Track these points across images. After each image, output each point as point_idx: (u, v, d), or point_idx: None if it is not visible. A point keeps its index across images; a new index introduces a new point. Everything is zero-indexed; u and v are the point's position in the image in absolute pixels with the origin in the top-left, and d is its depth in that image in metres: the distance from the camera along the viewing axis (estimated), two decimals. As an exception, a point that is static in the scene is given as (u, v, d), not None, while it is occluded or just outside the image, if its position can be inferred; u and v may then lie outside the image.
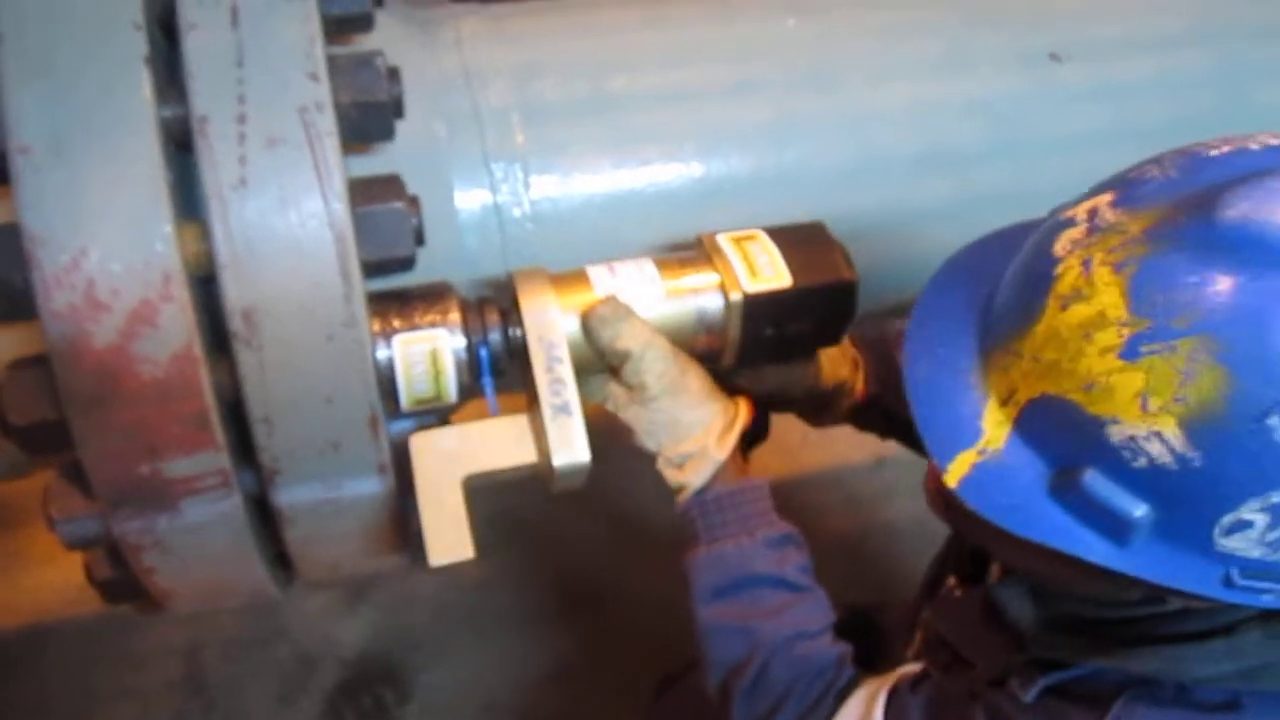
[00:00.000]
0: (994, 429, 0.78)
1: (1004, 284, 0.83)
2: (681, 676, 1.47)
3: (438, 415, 1.03)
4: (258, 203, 0.84)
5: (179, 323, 0.83)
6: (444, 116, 1.08)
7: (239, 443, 0.92)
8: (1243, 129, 1.29)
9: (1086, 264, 0.73)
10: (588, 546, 1.12)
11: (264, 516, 0.98)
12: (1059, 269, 0.75)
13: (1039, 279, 0.77)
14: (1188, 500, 0.70)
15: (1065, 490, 0.74)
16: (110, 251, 0.81)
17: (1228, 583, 0.71)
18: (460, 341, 0.95)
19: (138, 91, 0.83)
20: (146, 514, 0.91)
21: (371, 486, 0.96)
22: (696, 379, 1.01)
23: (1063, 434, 0.74)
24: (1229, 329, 0.66)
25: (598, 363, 1.01)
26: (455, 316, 0.96)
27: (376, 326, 0.93)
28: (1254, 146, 0.74)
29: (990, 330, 0.82)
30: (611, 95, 1.15)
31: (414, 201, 0.92)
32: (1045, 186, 1.20)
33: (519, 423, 1.00)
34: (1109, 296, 0.71)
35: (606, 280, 1.03)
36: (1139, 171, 0.79)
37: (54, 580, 2.02)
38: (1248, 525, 0.69)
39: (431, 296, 0.98)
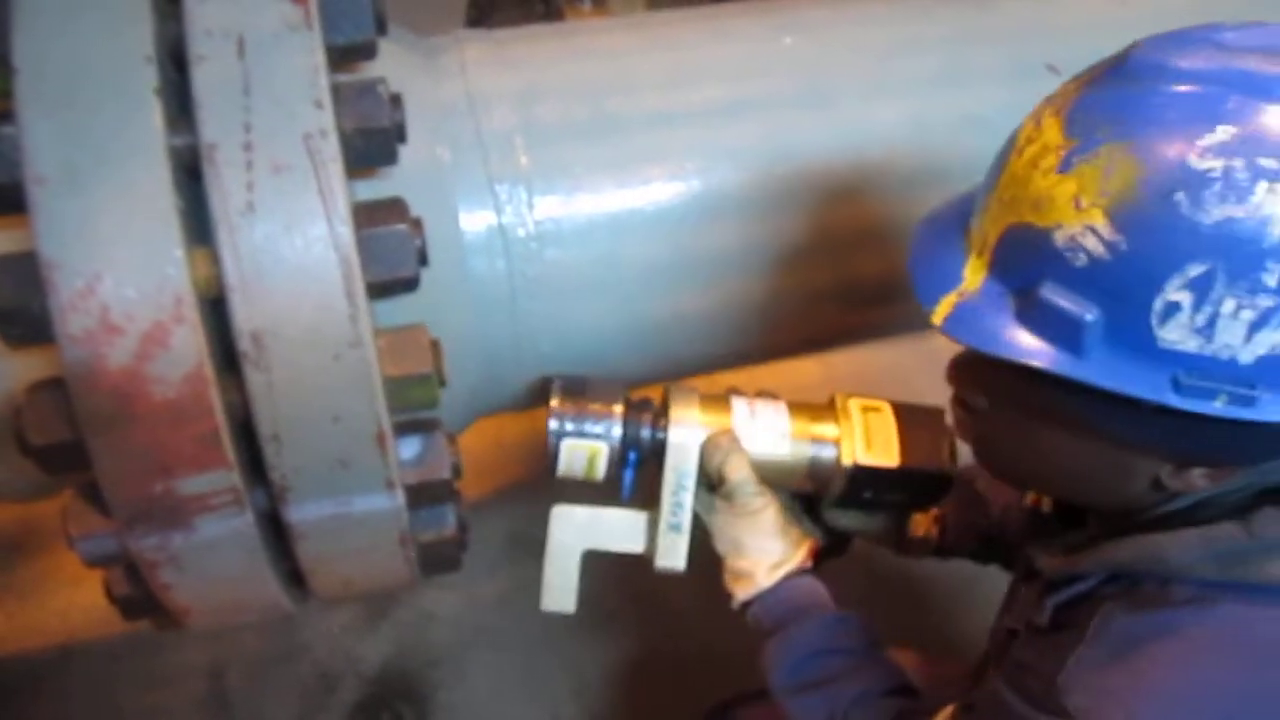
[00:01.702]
0: (972, 274, 0.90)
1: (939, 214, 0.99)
2: (731, 705, 1.49)
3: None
4: (265, 227, 0.87)
5: (190, 344, 0.86)
6: (448, 141, 1.11)
7: (250, 461, 0.94)
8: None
9: (1037, 118, 0.87)
10: (608, 565, 1.16)
11: (277, 533, 1.00)
12: (1019, 134, 0.89)
13: (1006, 147, 0.90)
14: (1124, 289, 0.79)
15: (1029, 309, 0.83)
16: (123, 276, 0.84)
17: (1176, 386, 0.78)
18: (615, 445, 1.14)
19: (149, 121, 0.86)
20: (162, 531, 0.93)
21: (381, 503, 0.98)
22: (773, 516, 1.14)
23: (1023, 256, 0.85)
24: (1137, 128, 0.79)
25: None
26: (617, 431, 1.15)
27: (554, 418, 1.13)
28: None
29: (974, 205, 0.93)
30: (612, 116, 1.17)
31: (417, 223, 0.95)
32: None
33: (639, 519, 1.20)
34: (1050, 132, 0.84)
35: (744, 413, 1.17)
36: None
37: (81, 601, 2.05)
38: (1177, 308, 0.77)
39: (603, 401, 1.15)
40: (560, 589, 1.20)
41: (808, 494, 1.22)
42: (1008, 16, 1.32)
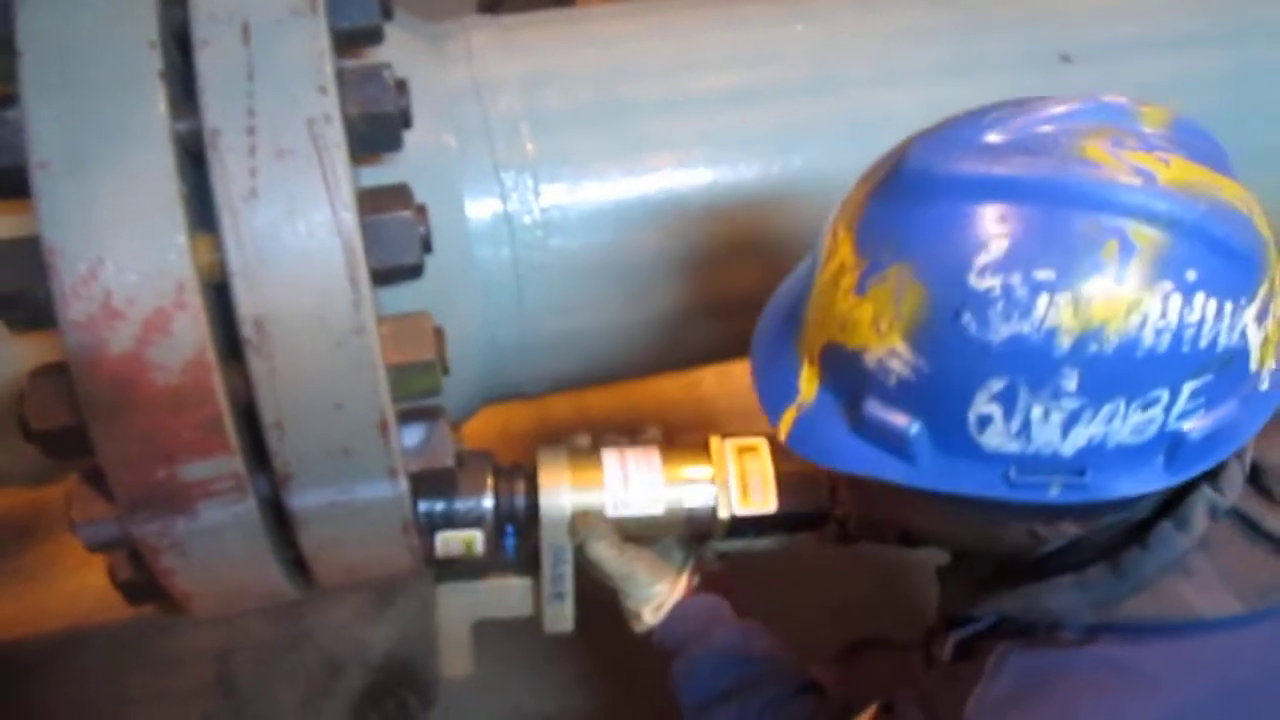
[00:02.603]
0: (806, 385, 0.91)
1: (794, 283, 0.98)
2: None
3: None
4: (268, 213, 0.86)
5: (192, 330, 0.86)
6: (454, 127, 1.10)
7: (253, 447, 0.94)
8: (1258, 129, 1.29)
9: (835, 229, 0.88)
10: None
11: (279, 520, 1.00)
12: (823, 244, 0.90)
13: (814, 257, 0.91)
14: (937, 406, 0.80)
15: (859, 423, 0.85)
16: (126, 262, 0.84)
17: (1008, 481, 0.80)
18: (489, 527, 1.16)
19: (153, 106, 0.86)
20: (164, 517, 0.93)
21: (384, 490, 0.98)
22: (643, 568, 1.19)
23: (843, 373, 0.86)
24: (918, 252, 0.78)
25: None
26: (489, 505, 1.16)
27: (422, 508, 1.12)
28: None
29: (794, 311, 0.95)
30: (620, 103, 1.17)
31: (421, 210, 0.94)
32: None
33: (523, 586, 1.25)
34: (845, 248, 0.85)
35: (616, 473, 1.18)
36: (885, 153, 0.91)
37: (89, 585, 2.05)
38: (990, 419, 0.78)
39: (471, 478, 1.16)
40: (457, 657, 1.28)
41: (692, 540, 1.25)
42: (1020, 4, 1.30)
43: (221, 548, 0.98)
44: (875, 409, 0.83)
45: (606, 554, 1.16)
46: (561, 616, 1.24)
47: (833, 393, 0.88)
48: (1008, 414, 0.77)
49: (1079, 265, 0.73)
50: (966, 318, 0.75)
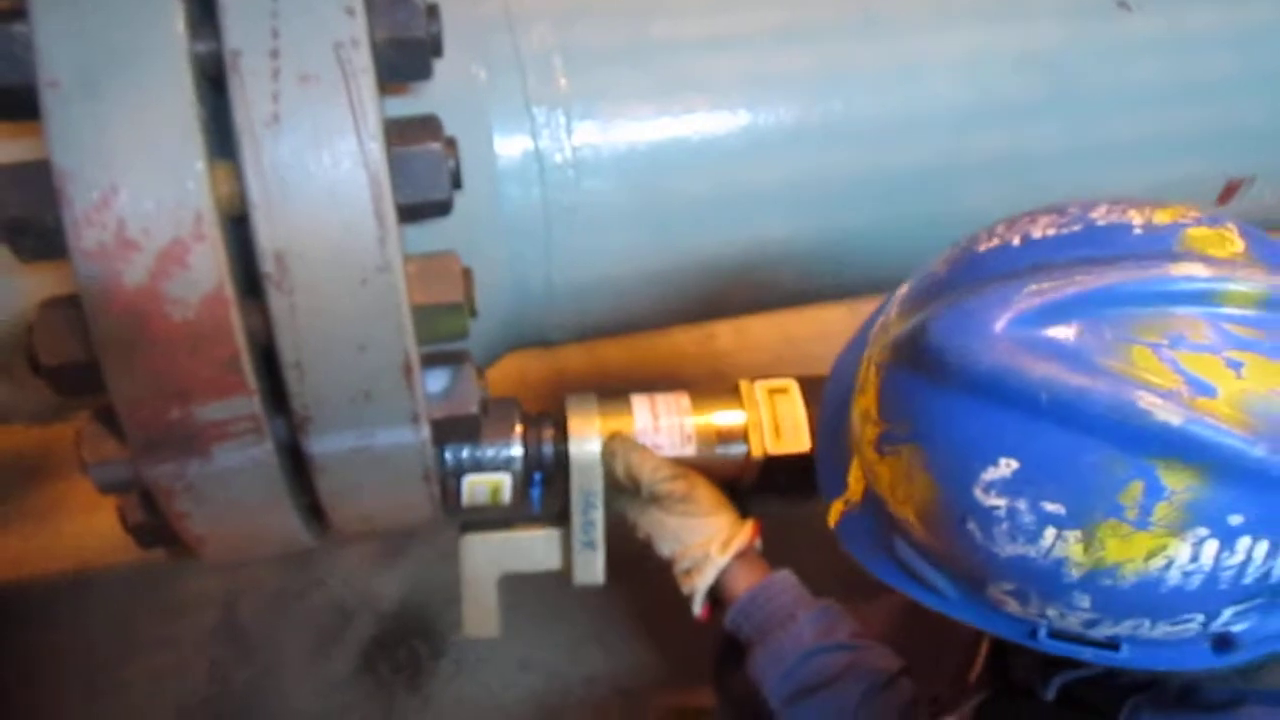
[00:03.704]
0: (855, 483, 0.87)
1: (856, 350, 0.91)
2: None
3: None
4: (290, 140, 0.81)
5: (210, 263, 0.81)
6: (484, 59, 1.05)
7: (271, 389, 0.90)
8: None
9: (869, 359, 0.82)
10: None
11: (296, 465, 0.97)
12: (865, 355, 0.84)
13: (856, 364, 0.86)
14: (956, 575, 0.78)
15: (891, 551, 0.83)
16: (141, 189, 0.79)
17: (1035, 638, 0.77)
18: (518, 472, 1.12)
19: (170, 25, 0.81)
20: (178, 459, 0.89)
21: (405, 437, 0.94)
22: (705, 494, 1.11)
23: (877, 502, 0.82)
24: (929, 442, 0.73)
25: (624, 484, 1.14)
26: (517, 451, 1.12)
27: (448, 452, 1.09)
28: (1015, 242, 0.76)
29: (850, 397, 0.88)
30: (656, 41, 1.12)
31: (451, 143, 0.89)
32: (1100, 144, 1.16)
33: (552, 536, 1.20)
34: (870, 395, 0.80)
35: (646, 415, 1.15)
36: (935, 260, 0.82)
37: (96, 528, 2.03)
38: (1006, 602, 0.76)
39: (499, 422, 1.13)
40: (481, 616, 1.22)
41: (725, 484, 1.19)
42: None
43: (236, 492, 0.94)
44: (903, 549, 0.81)
45: (653, 467, 1.09)
46: (591, 567, 1.19)
47: (872, 510, 0.84)
48: (1023, 604, 0.75)
49: (1093, 506, 0.66)
50: (971, 525, 0.71)
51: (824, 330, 2.24)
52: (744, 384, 1.18)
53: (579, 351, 2.12)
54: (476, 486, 1.11)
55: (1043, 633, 0.76)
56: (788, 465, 1.15)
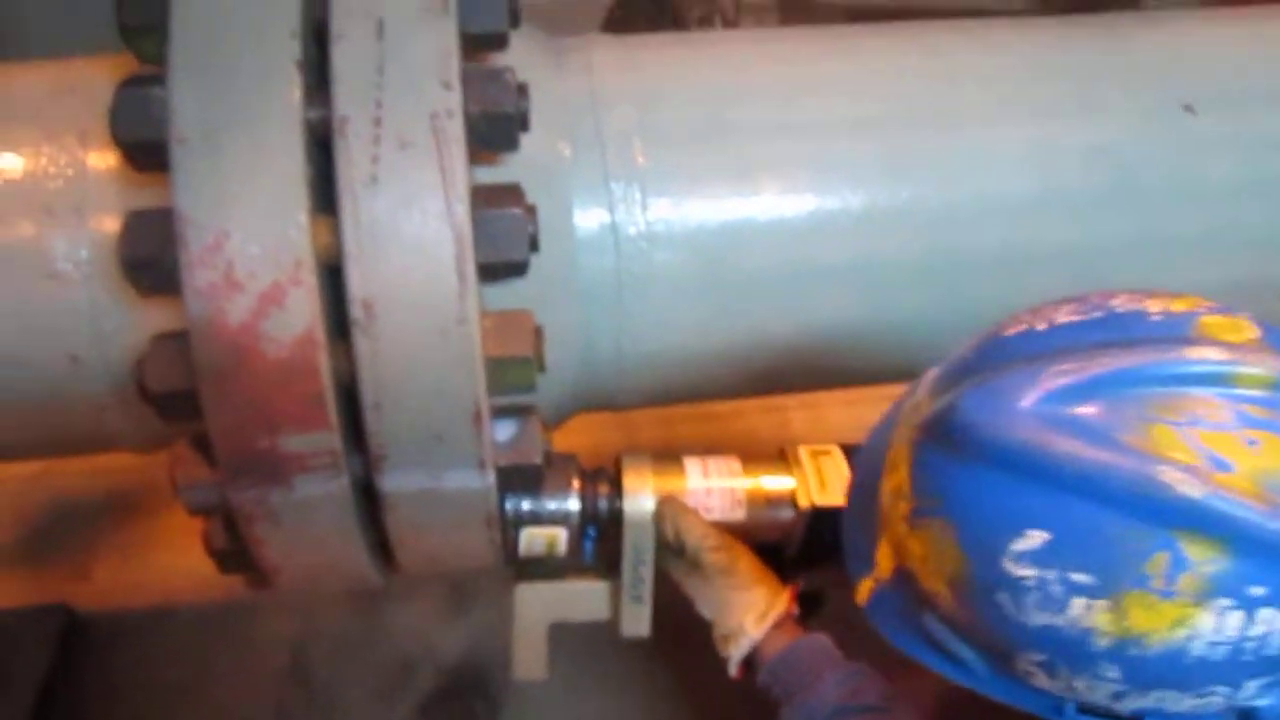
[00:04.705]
0: (884, 560, 0.89)
1: (887, 430, 0.93)
2: None
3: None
4: (386, 199, 0.90)
5: (305, 306, 0.89)
6: (568, 136, 1.13)
7: (350, 426, 0.97)
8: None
9: (900, 438, 0.85)
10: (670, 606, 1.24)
11: (369, 501, 1.03)
12: (895, 436, 0.87)
13: (885, 445, 0.89)
14: (985, 648, 0.79)
15: (920, 628, 0.85)
16: (250, 235, 0.88)
17: (1063, 714, 0.78)
18: (574, 526, 1.17)
19: (289, 91, 0.90)
20: (262, 486, 0.96)
21: (472, 481, 1.00)
22: (745, 564, 1.14)
23: (907, 579, 0.85)
24: (958, 516, 0.76)
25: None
26: (575, 506, 1.18)
27: (509, 503, 1.15)
28: (1040, 327, 0.80)
29: (879, 475, 0.91)
30: (731, 123, 1.18)
31: (532, 210, 0.97)
32: (1165, 239, 1.18)
33: (602, 589, 1.26)
34: (902, 471, 0.83)
35: (698, 475, 1.21)
36: (964, 344, 0.86)
37: (182, 566, 2.10)
38: (1035, 674, 0.77)
39: (558, 478, 1.18)
40: (531, 660, 1.27)
41: (772, 548, 1.23)
42: (1142, 50, 1.28)
43: (312, 522, 1.01)
44: (933, 625, 0.83)
45: (700, 534, 1.13)
46: (639, 620, 1.24)
47: (901, 587, 0.87)
48: (1052, 676, 0.76)
49: (1120, 576, 0.69)
50: (1002, 596, 0.74)
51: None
52: (788, 447, 1.24)
53: (653, 428, 2.17)
54: (535, 538, 1.17)
55: (1070, 708, 0.78)
56: (832, 519, 1.13)
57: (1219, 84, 1.25)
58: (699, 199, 1.15)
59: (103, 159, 1.02)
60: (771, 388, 1.33)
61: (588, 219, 1.13)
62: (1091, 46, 1.27)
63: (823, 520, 1.18)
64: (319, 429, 0.94)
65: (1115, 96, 1.23)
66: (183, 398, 0.92)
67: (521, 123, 0.98)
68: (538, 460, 1.03)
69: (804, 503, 1.19)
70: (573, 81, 1.15)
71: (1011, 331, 0.81)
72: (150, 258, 0.89)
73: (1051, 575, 0.71)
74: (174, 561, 2.13)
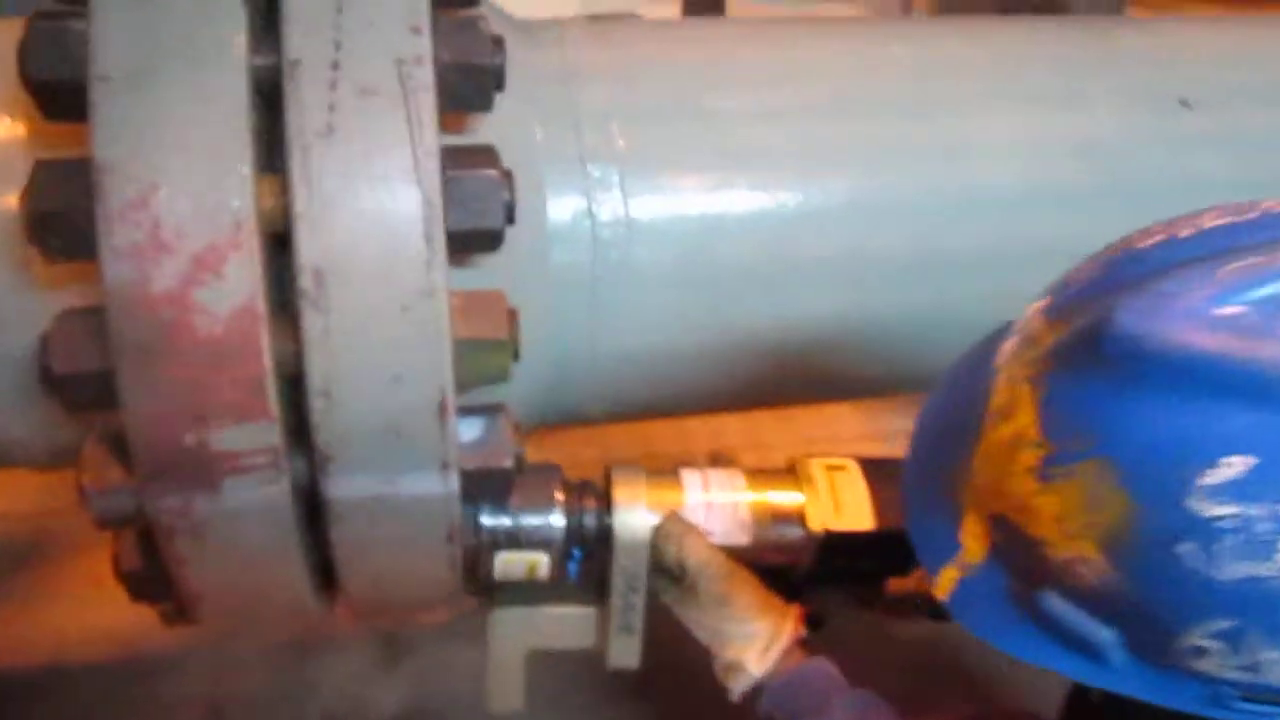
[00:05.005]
0: (972, 544, 0.77)
1: (958, 394, 0.83)
2: None
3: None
4: (343, 152, 0.78)
5: (245, 274, 0.77)
6: (540, 114, 1.03)
7: (293, 424, 0.84)
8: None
9: (1012, 379, 0.73)
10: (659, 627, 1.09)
11: (311, 515, 0.89)
12: (994, 383, 0.75)
13: (979, 394, 0.77)
14: (1138, 622, 0.67)
15: (1034, 613, 0.72)
16: (181, 189, 0.76)
17: (1218, 703, 0.66)
18: (558, 550, 1.04)
19: (233, 31, 0.79)
20: (186, 490, 0.82)
21: (432, 486, 0.87)
22: (747, 595, 1.02)
23: (1017, 553, 0.72)
24: (1121, 452, 0.64)
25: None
26: (558, 522, 1.04)
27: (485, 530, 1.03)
28: (1183, 234, 0.70)
29: (957, 444, 0.80)
30: (713, 109, 1.10)
31: (508, 175, 0.86)
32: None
33: (586, 615, 1.12)
34: (1025, 416, 0.70)
35: (698, 491, 1.07)
36: (1074, 271, 0.76)
37: (78, 620, 1.93)
38: (1207, 651, 0.64)
39: (537, 491, 1.05)
40: (507, 690, 1.16)
41: (775, 569, 1.11)
42: (1132, 44, 1.24)
43: (244, 536, 0.86)
44: (1057, 605, 0.70)
45: (703, 561, 1.01)
46: (628, 651, 1.11)
47: (1004, 566, 0.74)
48: (1233, 650, 0.63)
49: None
50: (1186, 547, 0.61)
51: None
52: (800, 461, 1.10)
53: (630, 443, 2.04)
54: (512, 564, 1.04)
55: (1232, 698, 0.65)
56: (848, 545, 1.06)
57: (1209, 80, 1.21)
58: (680, 186, 1.06)
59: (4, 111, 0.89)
60: (757, 397, 1.23)
61: (562, 204, 1.02)
62: (1082, 40, 1.23)
63: (836, 546, 1.06)
64: (257, 419, 0.80)
65: (1107, 88, 1.18)
66: (95, 380, 0.78)
67: (497, 79, 0.87)
68: (508, 463, 0.90)
69: (816, 526, 1.06)
70: (545, 54, 1.06)
71: (1146, 244, 0.70)
72: (61, 211, 0.76)
73: (1259, 512, 0.58)
74: (70, 615, 1.94)
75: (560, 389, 1.08)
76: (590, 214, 1.03)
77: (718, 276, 1.07)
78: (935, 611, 1.17)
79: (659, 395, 1.15)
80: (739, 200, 1.07)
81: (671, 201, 1.05)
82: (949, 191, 1.12)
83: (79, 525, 2.04)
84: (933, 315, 1.14)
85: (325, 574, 0.96)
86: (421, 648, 1.91)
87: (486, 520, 1.02)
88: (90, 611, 1.95)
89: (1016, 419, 0.71)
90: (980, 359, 0.83)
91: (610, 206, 1.03)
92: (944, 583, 0.77)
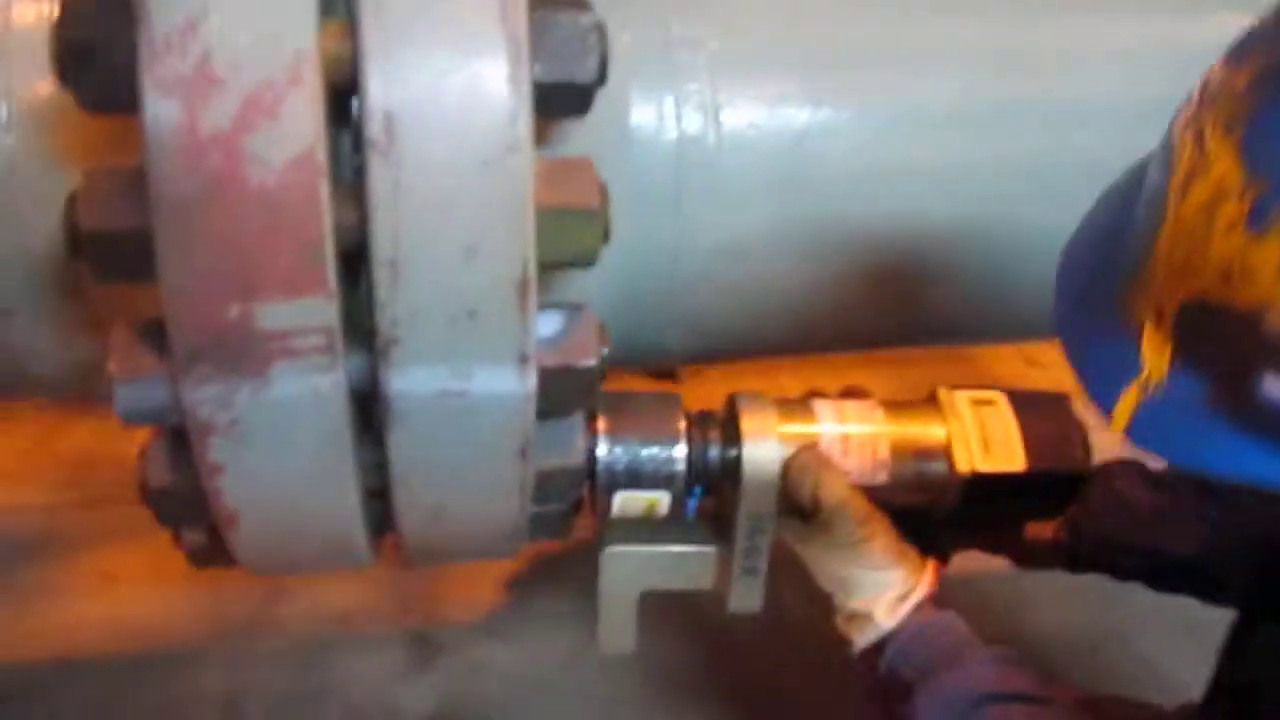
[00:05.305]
0: (1154, 356, 0.68)
1: (1115, 203, 0.76)
2: None
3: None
4: (420, -18, 0.68)
5: (305, 117, 0.66)
6: (627, 9, 0.93)
7: (353, 310, 0.74)
8: None
9: (1199, 137, 0.64)
10: (682, 640, 0.98)
11: (366, 420, 0.78)
12: (1175, 153, 0.66)
13: (1160, 169, 0.68)
14: None
15: (1247, 412, 0.62)
16: (235, 17, 0.66)
17: None
18: (679, 487, 0.97)
19: None
20: (227, 376, 0.71)
21: (507, 383, 0.76)
22: (884, 541, 0.95)
23: (1220, 340, 0.63)
24: None
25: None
26: (680, 468, 0.96)
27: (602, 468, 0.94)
28: None
29: (1125, 254, 0.71)
30: (808, 8, 1.01)
31: (601, 27, 0.75)
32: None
33: (705, 556, 1.04)
34: (1223, 164, 0.61)
35: (832, 422, 0.99)
36: (1248, 26, 0.66)
37: (87, 616, 1.82)
38: None
39: (658, 422, 0.96)
40: (618, 631, 1.08)
41: (908, 509, 1.02)
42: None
43: (289, 439, 0.76)
44: (1276, 391, 0.60)
45: (841, 501, 0.92)
46: (750, 594, 1.02)
47: (1199, 370, 0.65)
48: None
49: None
50: None
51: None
52: (943, 392, 1.01)
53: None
54: (630, 502, 0.96)
55: None
56: (995, 487, 0.98)
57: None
58: (772, 91, 0.97)
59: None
60: (845, 335, 1.11)
61: (647, 108, 0.94)
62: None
63: (983, 488, 0.97)
64: (313, 292, 0.70)
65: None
66: (129, 241, 0.68)
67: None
68: (592, 362, 0.79)
69: (963, 467, 0.98)
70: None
71: None
72: (98, 42, 0.66)
73: None
74: (79, 611, 1.84)
75: (639, 312, 0.97)
76: (677, 117, 0.93)
77: (812, 188, 0.98)
78: (1073, 559, 1.06)
79: (744, 327, 1.05)
80: (835, 104, 0.97)
81: (763, 106, 0.96)
82: (1060, 101, 1.02)
83: (88, 519, 1.94)
84: (1041, 238, 1.04)
85: (377, 504, 0.85)
86: (454, 647, 1.79)
87: (602, 453, 0.93)
88: (101, 606, 1.85)
89: (1211, 173, 0.61)
90: (1137, 169, 0.75)
91: (698, 111, 0.93)
92: (1123, 411, 0.67)
